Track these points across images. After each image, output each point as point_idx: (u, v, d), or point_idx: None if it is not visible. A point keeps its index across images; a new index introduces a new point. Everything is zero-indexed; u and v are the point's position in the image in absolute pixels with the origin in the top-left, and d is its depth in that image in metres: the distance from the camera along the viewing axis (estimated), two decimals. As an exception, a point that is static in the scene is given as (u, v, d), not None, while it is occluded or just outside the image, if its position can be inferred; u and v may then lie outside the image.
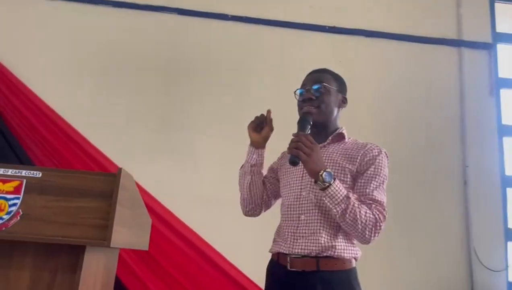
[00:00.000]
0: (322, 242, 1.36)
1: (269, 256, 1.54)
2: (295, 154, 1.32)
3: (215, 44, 3.46)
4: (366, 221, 1.32)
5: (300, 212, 1.42)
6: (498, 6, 3.79)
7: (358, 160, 1.44)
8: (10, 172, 1.02)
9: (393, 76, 3.56)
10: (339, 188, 1.32)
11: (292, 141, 1.35)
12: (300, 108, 1.54)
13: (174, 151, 3.18)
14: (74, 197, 1.01)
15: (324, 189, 1.31)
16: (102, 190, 1.01)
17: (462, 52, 3.60)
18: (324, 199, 1.33)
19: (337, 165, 1.44)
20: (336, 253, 1.36)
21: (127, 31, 3.41)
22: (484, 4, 3.77)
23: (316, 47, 3.56)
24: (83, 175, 1.03)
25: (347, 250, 1.39)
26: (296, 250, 1.38)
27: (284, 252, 1.41)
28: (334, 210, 1.32)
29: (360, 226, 1.32)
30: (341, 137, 1.54)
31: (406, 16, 3.67)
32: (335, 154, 1.47)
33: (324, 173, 1.30)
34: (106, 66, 3.33)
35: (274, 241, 1.54)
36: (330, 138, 1.52)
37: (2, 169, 1.02)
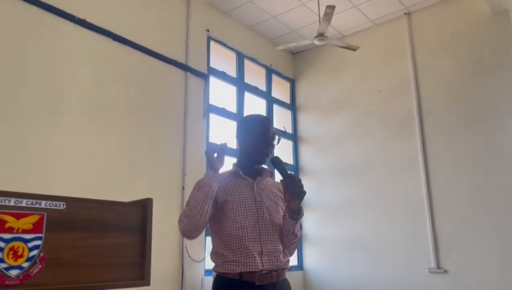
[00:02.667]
0: (282, 257, 1.59)
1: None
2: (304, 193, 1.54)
3: None
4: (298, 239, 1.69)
5: (260, 232, 1.55)
6: (212, 45, 4.66)
7: (281, 193, 1.71)
8: (24, 203, 0.72)
9: (135, 84, 3.72)
10: None
11: (299, 181, 1.54)
12: (264, 149, 1.66)
13: None
14: (104, 232, 0.83)
15: (299, 218, 1.59)
16: (134, 223, 0.88)
17: (188, 76, 4.21)
18: (297, 225, 1.59)
19: (276, 194, 1.68)
20: (287, 265, 1.61)
21: None
22: (204, 39, 4.54)
23: (63, 37, 3.28)
24: (112, 206, 0.85)
25: (289, 261, 1.67)
26: (266, 267, 1.51)
27: (251, 270, 1.48)
28: (296, 234, 1.60)
29: (297, 243, 1.65)
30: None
31: (149, 31, 3.93)
32: (269, 185, 1.69)
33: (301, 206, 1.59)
34: None
35: (230, 261, 1.53)
36: (268, 172, 1.74)
37: (13, 199, 0.71)
